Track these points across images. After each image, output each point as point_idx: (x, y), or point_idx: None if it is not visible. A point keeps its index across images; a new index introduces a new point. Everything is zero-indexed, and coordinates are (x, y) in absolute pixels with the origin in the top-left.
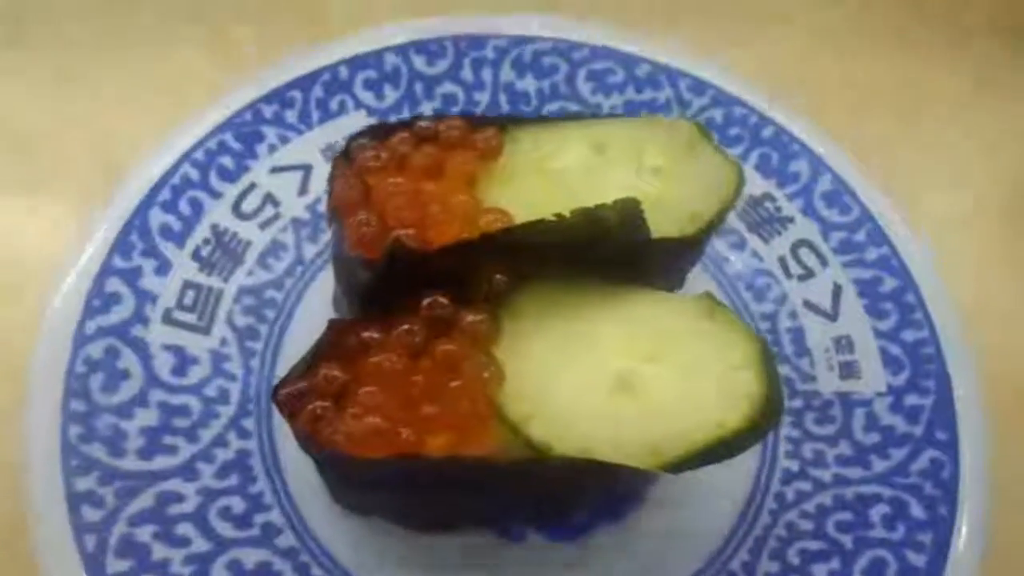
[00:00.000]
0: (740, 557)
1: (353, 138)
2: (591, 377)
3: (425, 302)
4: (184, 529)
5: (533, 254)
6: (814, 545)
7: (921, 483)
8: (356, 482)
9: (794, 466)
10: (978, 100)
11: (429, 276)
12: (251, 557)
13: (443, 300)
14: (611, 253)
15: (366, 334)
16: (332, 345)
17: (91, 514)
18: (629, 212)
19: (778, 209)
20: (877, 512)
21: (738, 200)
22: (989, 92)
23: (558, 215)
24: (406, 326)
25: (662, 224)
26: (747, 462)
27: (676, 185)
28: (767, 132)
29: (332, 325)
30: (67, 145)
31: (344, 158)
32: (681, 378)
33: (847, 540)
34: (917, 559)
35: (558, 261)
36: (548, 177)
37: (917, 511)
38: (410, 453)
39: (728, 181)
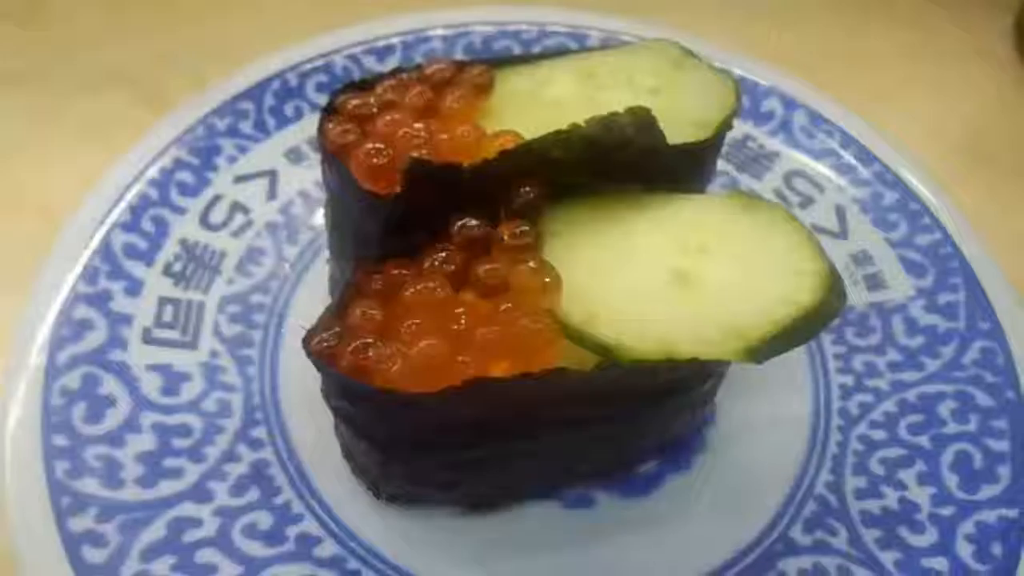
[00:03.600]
0: (823, 478)
1: (337, 93)
2: (647, 275)
3: (457, 225)
4: (207, 555)
5: (555, 168)
6: (893, 452)
7: (980, 373)
8: (409, 440)
9: (848, 380)
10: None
11: (451, 201)
12: (291, 573)
13: (475, 221)
14: (632, 164)
15: (396, 271)
16: (359, 287)
17: (94, 555)
18: (642, 118)
19: (761, 147)
20: (945, 408)
21: (740, 105)
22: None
23: (574, 124)
24: (441, 253)
25: (673, 135)
26: (800, 386)
27: (675, 99)
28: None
29: (358, 265)
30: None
31: (330, 111)
32: (738, 265)
33: (924, 441)
34: (1000, 445)
35: (581, 174)
36: (544, 107)
37: (984, 400)
38: (479, 378)
39: (724, 90)
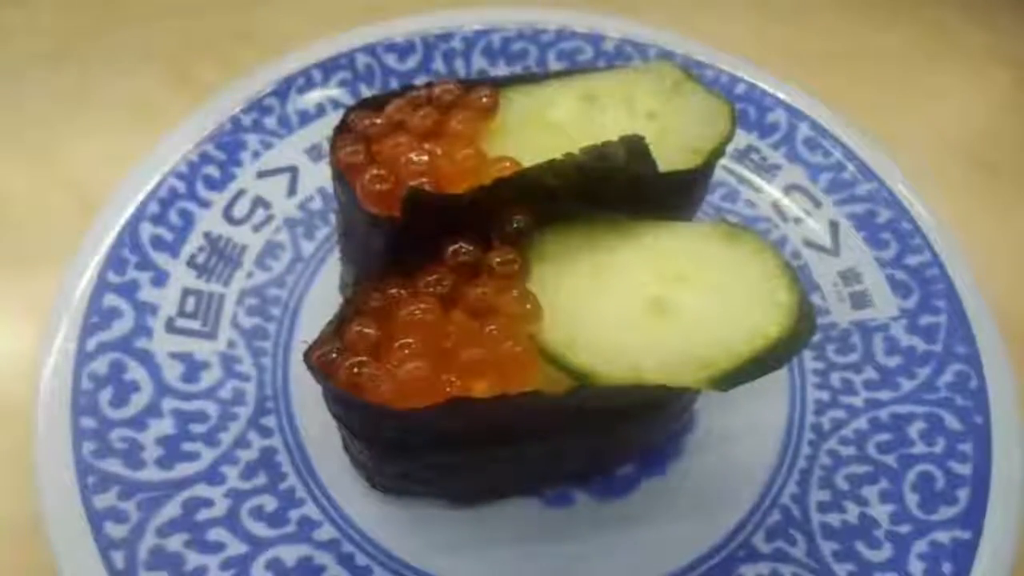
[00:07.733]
0: (789, 490)
1: (350, 110)
2: (625, 303)
3: (450, 249)
4: (217, 534)
5: (548, 195)
6: (860, 469)
7: (951, 396)
8: (399, 444)
9: (824, 396)
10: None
11: (447, 226)
12: (291, 554)
13: (467, 246)
14: (623, 190)
15: (393, 290)
16: (359, 304)
17: (115, 530)
18: (635, 146)
19: (763, 159)
20: (915, 429)
21: (734, 132)
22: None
23: (568, 154)
24: (433, 276)
25: (665, 160)
26: (778, 398)
27: (671, 125)
28: (740, 89)
29: (360, 283)
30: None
31: (343, 129)
32: (713, 295)
33: (890, 460)
34: (962, 468)
35: (573, 201)
36: (546, 129)
37: (953, 423)
38: (459, 398)
39: (721, 116)
